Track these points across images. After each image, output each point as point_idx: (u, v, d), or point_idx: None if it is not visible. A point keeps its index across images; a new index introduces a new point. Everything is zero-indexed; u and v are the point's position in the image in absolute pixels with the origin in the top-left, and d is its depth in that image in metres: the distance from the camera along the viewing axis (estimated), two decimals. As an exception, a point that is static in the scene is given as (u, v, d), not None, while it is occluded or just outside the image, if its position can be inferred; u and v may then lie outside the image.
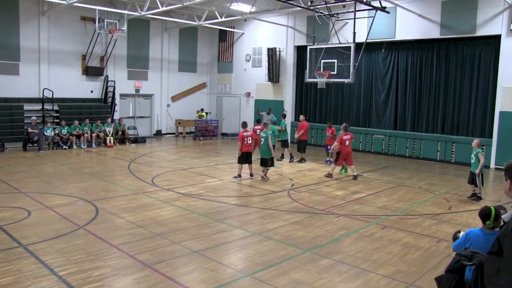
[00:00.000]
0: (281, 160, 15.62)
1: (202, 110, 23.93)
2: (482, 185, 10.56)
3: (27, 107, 18.00)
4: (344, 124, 13.39)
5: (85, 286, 5.33)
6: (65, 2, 16.26)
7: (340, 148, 12.69)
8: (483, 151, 11.52)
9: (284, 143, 15.95)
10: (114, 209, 8.90)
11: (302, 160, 15.58)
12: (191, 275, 5.82)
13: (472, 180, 10.47)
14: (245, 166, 12.46)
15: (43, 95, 18.37)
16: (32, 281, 5.41)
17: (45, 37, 18.72)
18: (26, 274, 5.62)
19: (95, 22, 18.69)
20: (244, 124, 12.85)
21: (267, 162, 12.37)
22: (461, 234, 4.65)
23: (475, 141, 10.53)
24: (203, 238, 7.24)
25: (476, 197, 10.50)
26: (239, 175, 12.34)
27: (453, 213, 9.41)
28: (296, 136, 15.85)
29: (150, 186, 11.25)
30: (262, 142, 12.47)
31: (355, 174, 12.80)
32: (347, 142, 12.69)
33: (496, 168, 15.07)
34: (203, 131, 22.41)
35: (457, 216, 9.13)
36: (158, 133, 23.44)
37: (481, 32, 15.37)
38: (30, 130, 16.76)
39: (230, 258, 6.58)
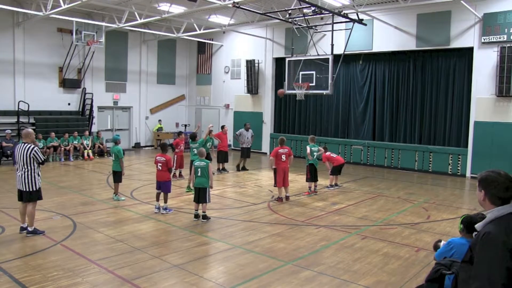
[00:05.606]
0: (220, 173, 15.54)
1: (159, 121, 23.90)
2: None
3: (1, 120, 17.62)
4: (281, 137, 11.82)
5: (62, 304, 5.20)
6: (41, 14, 16.06)
7: (276, 164, 11.30)
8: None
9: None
10: (92, 223, 8.73)
11: (223, 170, 15.68)
12: (171, 290, 5.73)
13: None
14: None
15: (18, 108, 18.00)
16: (6, 300, 5.25)
17: (20, 48, 18.40)
18: (0, 293, 5.45)
19: (72, 34, 18.43)
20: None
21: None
22: (442, 243, 4.71)
23: None
24: (183, 252, 7.15)
25: None
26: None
27: (431, 222, 9.54)
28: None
29: (129, 199, 11.09)
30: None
31: (287, 195, 11.45)
32: (283, 157, 11.27)
33: (472, 177, 15.41)
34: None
35: (435, 225, 9.25)
36: (137, 146, 23.21)
37: (455, 44, 15.79)
38: (4, 144, 16.38)
39: (211, 271, 6.52)
